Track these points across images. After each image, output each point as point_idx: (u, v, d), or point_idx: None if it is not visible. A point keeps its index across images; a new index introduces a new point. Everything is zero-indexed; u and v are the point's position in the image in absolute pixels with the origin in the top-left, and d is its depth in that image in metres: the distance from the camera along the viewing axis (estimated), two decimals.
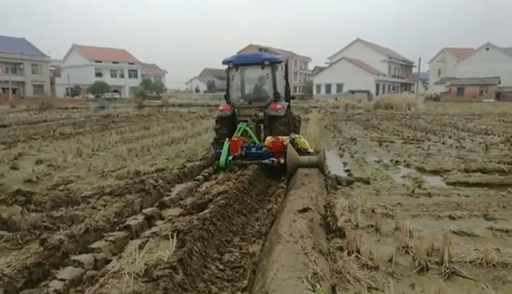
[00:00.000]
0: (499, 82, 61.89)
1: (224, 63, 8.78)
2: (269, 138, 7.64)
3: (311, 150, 7.81)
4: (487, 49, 67.87)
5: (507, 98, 56.22)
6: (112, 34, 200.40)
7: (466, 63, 67.99)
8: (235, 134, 7.90)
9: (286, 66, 9.31)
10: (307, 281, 2.73)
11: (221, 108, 8.77)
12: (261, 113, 8.37)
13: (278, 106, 8.27)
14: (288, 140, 7.40)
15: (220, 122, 8.55)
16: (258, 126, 8.55)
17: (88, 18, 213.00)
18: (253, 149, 7.63)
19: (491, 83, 60.69)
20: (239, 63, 8.72)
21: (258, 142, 8.00)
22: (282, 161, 7.02)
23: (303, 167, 6.85)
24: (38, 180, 6.68)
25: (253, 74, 8.97)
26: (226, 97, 8.85)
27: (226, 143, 7.56)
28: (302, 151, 7.53)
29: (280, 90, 8.74)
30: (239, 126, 8.19)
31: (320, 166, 6.81)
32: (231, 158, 7.36)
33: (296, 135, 8.09)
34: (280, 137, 7.57)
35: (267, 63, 8.36)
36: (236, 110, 8.58)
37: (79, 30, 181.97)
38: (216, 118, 8.76)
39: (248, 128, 8.20)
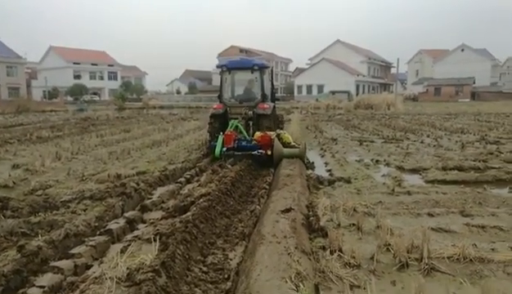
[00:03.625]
0: (474, 82, 63.73)
1: (218, 67, 9.85)
2: (258, 133, 8.56)
3: (294, 144, 8.80)
4: (462, 50, 69.94)
5: (482, 97, 57.93)
6: (91, 35, 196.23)
7: (442, 64, 69.89)
8: (228, 129, 8.72)
9: (272, 71, 10.35)
10: (290, 281, 2.75)
11: (214, 106, 9.63)
12: (250, 112, 9.23)
13: (265, 106, 9.18)
14: (274, 135, 8.42)
15: (214, 119, 9.35)
16: (248, 123, 9.31)
17: (65, 19, 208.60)
18: (244, 143, 8.55)
19: (466, 83, 62.40)
20: (231, 67, 9.67)
21: (247, 137, 8.80)
22: (269, 152, 8.10)
23: (287, 157, 7.93)
24: (14, 185, 6.50)
25: (243, 77, 10.01)
26: (220, 97, 9.67)
27: (220, 136, 8.49)
28: (286, 144, 8.53)
29: (267, 92, 9.64)
30: (231, 122, 9.00)
31: (301, 156, 8.05)
32: (225, 149, 8.31)
33: (281, 131, 9.23)
34: (267, 132, 8.46)
35: (256, 68, 9.32)
36: (228, 109, 9.44)
37: (56, 31, 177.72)
38: (210, 115, 9.55)
39: (239, 124, 8.97)
